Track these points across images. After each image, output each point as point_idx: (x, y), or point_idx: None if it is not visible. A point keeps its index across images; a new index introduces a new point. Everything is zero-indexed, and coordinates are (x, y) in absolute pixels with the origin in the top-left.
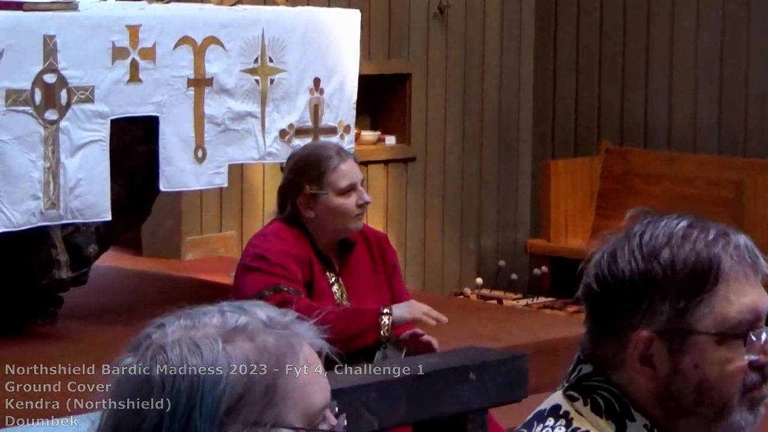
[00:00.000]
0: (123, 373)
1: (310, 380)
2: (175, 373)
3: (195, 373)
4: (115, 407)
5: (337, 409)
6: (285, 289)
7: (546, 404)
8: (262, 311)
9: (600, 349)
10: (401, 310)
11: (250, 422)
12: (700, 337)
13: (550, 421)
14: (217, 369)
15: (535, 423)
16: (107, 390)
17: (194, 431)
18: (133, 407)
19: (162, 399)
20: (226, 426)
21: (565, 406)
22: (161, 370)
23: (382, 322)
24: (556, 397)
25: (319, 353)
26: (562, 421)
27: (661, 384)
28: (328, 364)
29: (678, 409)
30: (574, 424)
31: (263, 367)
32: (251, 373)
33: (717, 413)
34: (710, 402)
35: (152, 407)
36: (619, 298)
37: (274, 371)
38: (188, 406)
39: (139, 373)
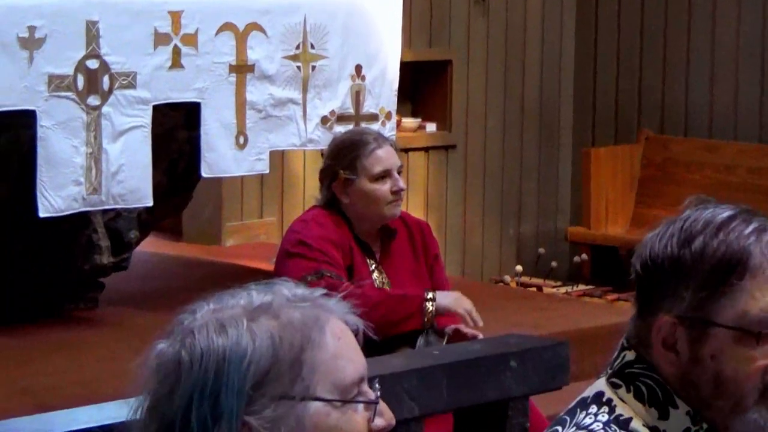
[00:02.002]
0: (155, 358)
1: (340, 353)
2: (202, 353)
3: (221, 352)
4: (149, 391)
5: (377, 385)
6: (328, 274)
7: (589, 391)
8: (287, 289)
9: (638, 330)
10: (446, 300)
11: (278, 396)
12: (719, 329)
13: (593, 409)
14: (241, 346)
15: (578, 410)
16: (142, 376)
17: (222, 408)
18: (166, 390)
19: (191, 379)
20: (255, 400)
21: (609, 393)
22: (189, 353)
23: (427, 309)
24: (600, 384)
25: (356, 332)
26: (605, 408)
27: (681, 371)
28: (369, 346)
29: (698, 399)
30: (617, 411)
31: (288, 341)
32: (276, 347)
33: (732, 408)
34: (726, 396)
35: (182, 389)
36: (652, 281)
37: (300, 345)
38: (216, 385)
39: (170, 357)
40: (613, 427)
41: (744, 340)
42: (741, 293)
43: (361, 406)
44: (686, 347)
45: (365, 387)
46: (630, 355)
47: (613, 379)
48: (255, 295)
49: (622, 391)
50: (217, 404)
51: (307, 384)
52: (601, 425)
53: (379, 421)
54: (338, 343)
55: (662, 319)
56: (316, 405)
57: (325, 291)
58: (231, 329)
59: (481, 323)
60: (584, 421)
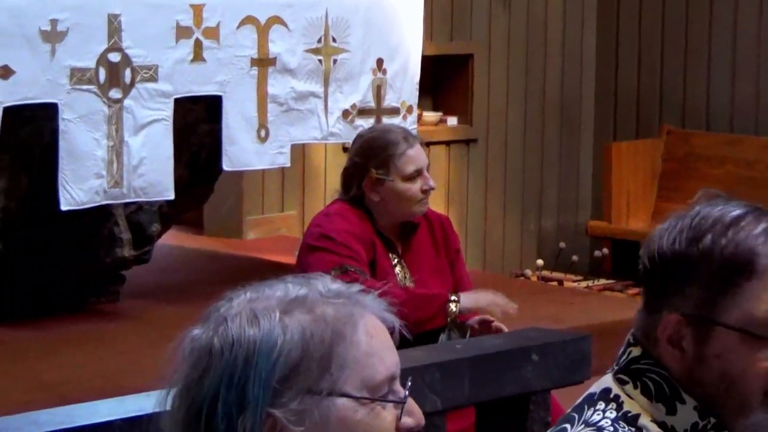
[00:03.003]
0: (189, 343)
1: (372, 351)
2: (233, 342)
3: (251, 342)
4: (182, 376)
5: (409, 383)
6: (351, 269)
7: (596, 387)
8: (325, 284)
9: (644, 324)
10: (469, 300)
11: (305, 390)
12: (724, 330)
13: (601, 405)
14: (272, 338)
15: (586, 407)
16: (175, 360)
17: (248, 398)
18: (197, 375)
19: (221, 367)
20: (281, 393)
21: (616, 389)
22: (221, 340)
23: (450, 309)
24: (607, 381)
25: (391, 330)
26: (613, 405)
27: (687, 368)
28: (402, 342)
29: (704, 396)
30: (625, 408)
31: (319, 336)
32: (307, 341)
33: (738, 408)
34: (731, 395)
35: (212, 375)
36: (659, 276)
37: (331, 340)
38: (244, 374)
39: (203, 343)
40: (622, 423)
41: (750, 341)
42: (748, 294)
43: (390, 405)
44: (692, 345)
45: (396, 385)
46: (636, 351)
47: (620, 375)
48: (291, 287)
49: (629, 387)
50: (243, 394)
51: (335, 379)
52: (609, 422)
53: (407, 420)
54: (371, 341)
55: (668, 316)
56: (342, 401)
57: (362, 287)
58: (263, 320)
59: (511, 308)
60: (593, 418)
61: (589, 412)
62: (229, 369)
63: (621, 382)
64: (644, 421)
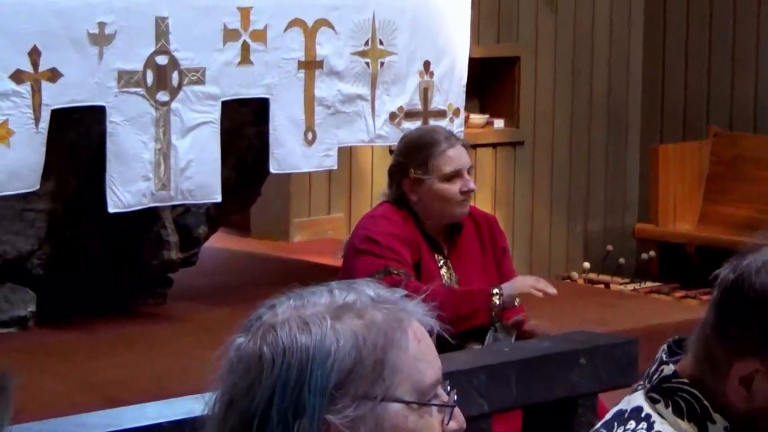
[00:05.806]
0: (235, 352)
1: (420, 356)
2: (284, 350)
3: (304, 349)
4: (228, 386)
5: (449, 387)
6: (395, 272)
7: (626, 404)
8: (370, 289)
9: (713, 350)
10: (509, 288)
11: (360, 396)
12: None
13: (632, 424)
14: (325, 345)
15: (616, 424)
16: (220, 370)
17: (304, 405)
18: (246, 385)
19: (273, 375)
20: (337, 399)
21: (647, 408)
22: (272, 348)
23: (493, 303)
24: (638, 399)
25: (430, 332)
26: (644, 425)
27: (752, 410)
28: (440, 344)
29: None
30: (656, 428)
31: (372, 342)
32: (360, 348)
33: None
34: None
35: (264, 384)
36: (749, 313)
37: (383, 346)
38: (298, 382)
39: (251, 352)
40: None
41: None
42: None
43: (435, 409)
44: (764, 394)
45: (440, 389)
46: (668, 370)
47: (652, 394)
48: (337, 293)
49: (661, 406)
50: (299, 401)
51: (388, 385)
52: None
53: (452, 425)
54: (419, 346)
55: (748, 361)
56: (395, 407)
57: (405, 292)
58: (315, 327)
59: (552, 291)
60: None
61: (619, 430)
62: (283, 377)
63: (653, 401)
64: None
